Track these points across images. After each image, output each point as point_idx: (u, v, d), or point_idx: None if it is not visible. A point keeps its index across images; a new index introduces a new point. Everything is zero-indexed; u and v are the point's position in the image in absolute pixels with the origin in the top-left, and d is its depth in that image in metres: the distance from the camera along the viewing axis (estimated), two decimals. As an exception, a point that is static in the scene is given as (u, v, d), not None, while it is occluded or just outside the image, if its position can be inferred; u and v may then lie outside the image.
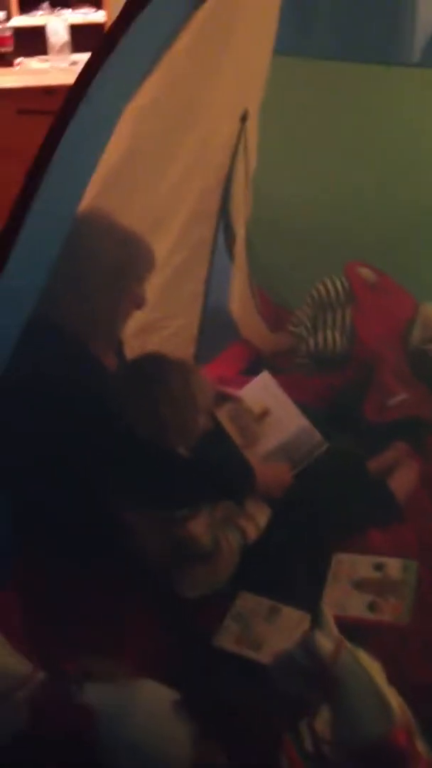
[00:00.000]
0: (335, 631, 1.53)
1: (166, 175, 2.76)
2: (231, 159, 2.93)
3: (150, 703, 1.61)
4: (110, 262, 2.33)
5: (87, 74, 1.70)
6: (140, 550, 2.32)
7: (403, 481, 2.67)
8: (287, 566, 2.41)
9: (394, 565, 2.37)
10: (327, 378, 3.26)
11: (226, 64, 2.62)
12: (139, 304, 2.46)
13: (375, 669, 1.51)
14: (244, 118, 2.93)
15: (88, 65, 1.71)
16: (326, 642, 1.50)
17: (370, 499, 2.62)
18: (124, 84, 2.04)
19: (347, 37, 3.43)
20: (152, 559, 2.34)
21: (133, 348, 2.71)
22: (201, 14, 2.30)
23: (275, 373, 2.97)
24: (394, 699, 1.48)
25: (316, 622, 1.55)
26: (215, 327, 3.48)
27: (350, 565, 2.40)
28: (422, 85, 3.31)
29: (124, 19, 1.67)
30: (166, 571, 2.34)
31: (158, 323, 3.10)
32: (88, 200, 2.11)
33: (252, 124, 2.99)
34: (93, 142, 1.95)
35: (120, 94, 2.03)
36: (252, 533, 2.41)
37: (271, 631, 2.22)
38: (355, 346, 3.36)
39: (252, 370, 3.25)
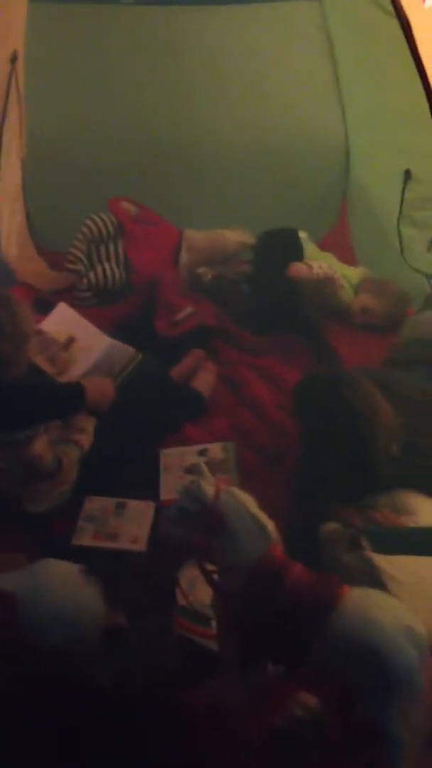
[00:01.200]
0: (212, 477, 1.83)
1: None
2: (4, 101, 3.00)
3: (61, 575, 1.82)
4: None
5: None
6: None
7: (204, 381, 3.03)
8: (122, 467, 2.67)
9: (214, 449, 2.73)
10: (114, 307, 3.49)
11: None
12: None
13: (248, 500, 1.82)
14: (13, 60, 3.02)
15: None
16: (208, 486, 1.79)
17: (180, 401, 2.94)
18: None
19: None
20: (1, 483, 2.46)
21: None
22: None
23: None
24: (267, 520, 1.81)
25: (198, 472, 1.82)
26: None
27: (177, 456, 2.72)
28: (146, 21, 3.61)
29: None
30: (15, 492, 2.48)
31: None
32: None
33: (20, 67, 3.08)
34: None
35: None
36: (86, 444, 2.63)
37: (122, 523, 2.50)
38: (132, 274, 3.62)
39: (37, 310, 3.35)
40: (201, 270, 3.58)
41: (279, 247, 3.51)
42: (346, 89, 3.52)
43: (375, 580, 2.02)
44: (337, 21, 3.30)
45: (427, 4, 1.75)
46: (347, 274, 3.48)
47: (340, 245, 3.82)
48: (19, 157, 3.41)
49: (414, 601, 1.93)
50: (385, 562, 2.10)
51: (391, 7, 1.73)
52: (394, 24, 1.73)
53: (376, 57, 2.81)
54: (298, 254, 3.46)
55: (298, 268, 3.38)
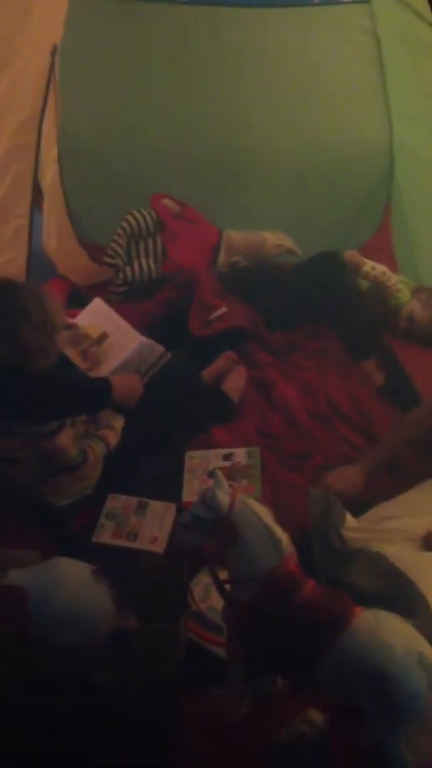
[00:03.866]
0: (228, 486, 1.81)
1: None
2: (44, 93, 3.00)
3: (73, 575, 1.81)
4: None
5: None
6: (12, 469, 2.45)
7: (234, 384, 3.01)
8: (147, 466, 2.67)
9: (240, 453, 2.71)
10: (149, 303, 3.46)
11: (38, 2, 2.73)
12: None
13: (263, 512, 1.81)
14: (53, 53, 3.02)
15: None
16: (223, 496, 1.77)
17: (209, 403, 2.93)
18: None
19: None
20: (24, 475, 2.47)
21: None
22: None
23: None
24: (281, 534, 1.79)
25: (214, 481, 1.81)
26: (34, 263, 3.55)
27: (202, 459, 2.71)
28: (196, 21, 3.59)
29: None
30: (37, 485, 2.49)
31: (-16, 259, 3.15)
32: None
33: (58, 60, 3.08)
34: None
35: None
36: (113, 441, 2.63)
37: (142, 523, 2.50)
38: (170, 271, 3.60)
39: (73, 303, 3.37)
40: (235, 258, 3.57)
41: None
42: (393, 94, 3.47)
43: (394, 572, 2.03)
44: (385, 26, 3.25)
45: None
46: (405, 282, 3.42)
47: (382, 249, 3.76)
48: (56, 150, 3.41)
49: None
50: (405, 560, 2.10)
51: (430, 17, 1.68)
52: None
53: (420, 65, 2.75)
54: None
55: (353, 253, 3.33)
